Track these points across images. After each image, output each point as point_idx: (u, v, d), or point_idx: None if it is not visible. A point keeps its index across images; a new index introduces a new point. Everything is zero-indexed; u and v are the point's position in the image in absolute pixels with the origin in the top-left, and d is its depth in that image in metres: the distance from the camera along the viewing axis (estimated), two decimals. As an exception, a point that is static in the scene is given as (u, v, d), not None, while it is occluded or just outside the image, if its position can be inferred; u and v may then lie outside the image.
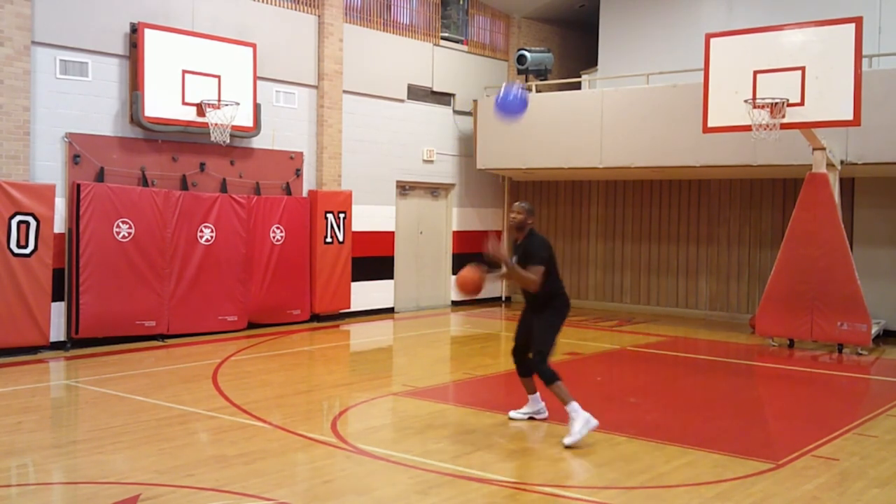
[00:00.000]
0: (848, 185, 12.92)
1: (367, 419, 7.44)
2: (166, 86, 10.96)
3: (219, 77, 11.43)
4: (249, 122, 11.90)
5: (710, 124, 10.81)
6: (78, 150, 10.42)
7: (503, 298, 16.70)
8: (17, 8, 9.75)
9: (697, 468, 5.91)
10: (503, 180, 16.62)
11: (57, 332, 10.20)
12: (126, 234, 10.65)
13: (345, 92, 13.56)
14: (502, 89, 7.02)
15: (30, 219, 9.74)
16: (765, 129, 10.21)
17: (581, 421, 6.42)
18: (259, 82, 12.11)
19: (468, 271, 6.56)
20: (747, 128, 10.38)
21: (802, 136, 10.71)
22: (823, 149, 10.87)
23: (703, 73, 10.90)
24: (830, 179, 11.00)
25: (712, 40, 10.82)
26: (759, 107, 10.24)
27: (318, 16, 13.22)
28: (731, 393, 8.97)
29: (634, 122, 13.43)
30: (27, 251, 9.73)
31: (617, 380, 9.93)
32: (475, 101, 15.41)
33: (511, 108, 7.00)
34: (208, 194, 11.56)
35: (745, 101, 10.31)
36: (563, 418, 6.69)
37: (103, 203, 10.44)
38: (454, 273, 15.51)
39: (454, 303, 15.57)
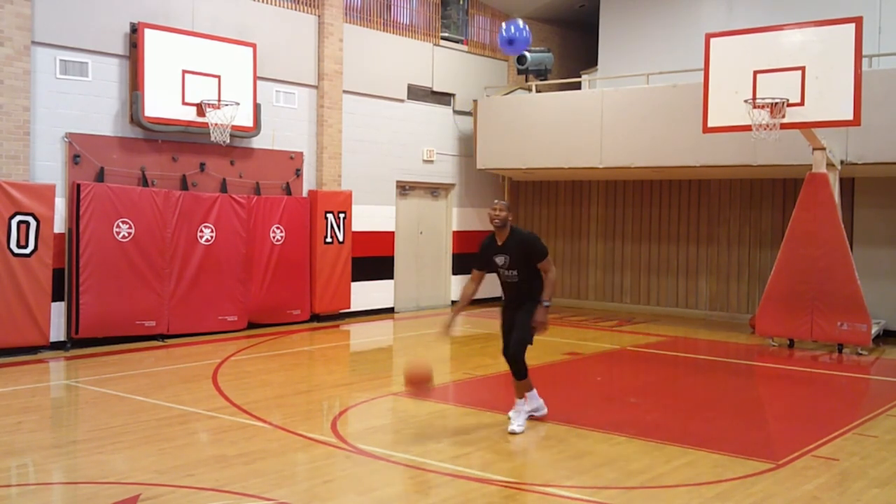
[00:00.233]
0: (848, 185, 12.92)
1: (367, 419, 7.44)
2: (166, 86, 10.96)
3: (219, 77, 11.43)
4: (249, 122, 11.90)
5: (710, 124, 10.81)
6: (78, 150, 10.42)
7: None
8: (17, 8, 9.75)
9: (697, 468, 5.91)
10: (503, 180, 16.61)
11: (57, 332, 10.20)
12: (126, 234, 10.65)
13: (345, 92, 13.56)
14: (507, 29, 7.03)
15: (30, 219, 9.74)
16: (765, 129, 10.21)
17: (525, 415, 6.88)
18: (259, 82, 12.11)
19: (417, 370, 6.52)
20: (747, 128, 10.37)
21: (802, 136, 10.71)
22: (823, 149, 10.87)
23: (703, 73, 10.90)
24: (830, 179, 11.00)
25: (712, 40, 10.82)
26: (759, 107, 10.24)
27: (318, 16, 13.22)
28: (731, 393, 8.97)
29: (634, 122, 13.43)
30: (27, 251, 9.73)
31: (617, 380, 9.93)
32: (475, 101, 15.41)
33: (516, 43, 7.04)
34: (208, 194, 11.56)
35: (745, 101, 10.30)
36: (565, 419, 6.69)
37: (103, 203, 10.44)
38: (454, 274, 15.53)
39: (454, 303, 15.57)
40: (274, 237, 12.33)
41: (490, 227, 7.01)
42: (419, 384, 6.52)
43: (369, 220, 14.08)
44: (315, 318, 13.04)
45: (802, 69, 10.10)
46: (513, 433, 6.69)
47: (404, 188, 14.91)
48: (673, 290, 15.10)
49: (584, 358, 10.64)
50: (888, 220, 12.90)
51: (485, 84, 15.91)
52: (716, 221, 14.65)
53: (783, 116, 10.15)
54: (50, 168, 10.22)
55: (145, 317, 10.83)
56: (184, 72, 11.11)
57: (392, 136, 14.48)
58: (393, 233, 14.57)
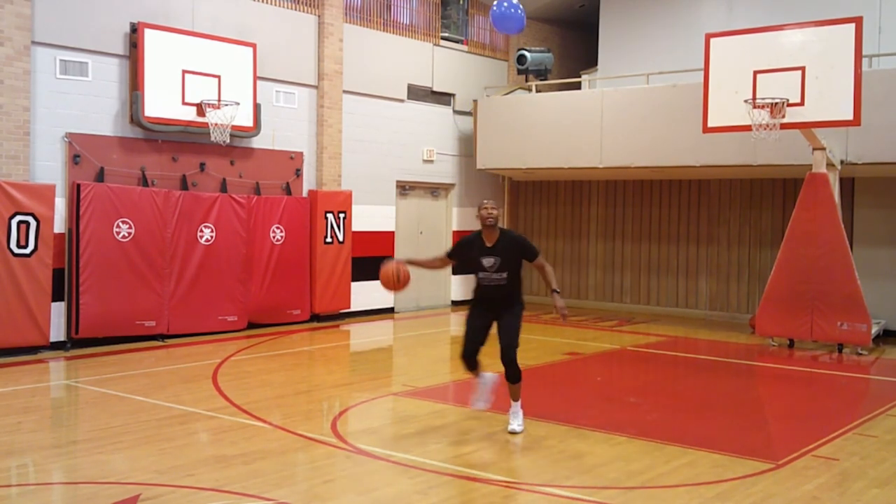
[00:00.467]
0: (848, 185, 12.92)
1: (367, 419, 7.44)
2: (166, 86, 10.96)
3: (219, 77, 11.43)
4: (249, 122, 11.90)
5: (710, 124, 10.81)
6: (78, 150, 10.42)
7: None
8: (17, 8, 9.75)
9: (697, 468, 5.91)
10: (503, 180, 16.61)
11: (57, 332, 10.20)
12: (126, 234, 10.65)
13: (345, 92, 13.56)
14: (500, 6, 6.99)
15: (30, 219, 9.74)
16: (765, 129, 10.21)
17: (522, 414, 6.86)
18: (259, 82, 12.11)
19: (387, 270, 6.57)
20: (747, 128, 10.37)
21: (802, 136, 10.71)
22: (823, 149, 10.86)
23: (703, 73, 10.90)
24: (830, 179, 11.00)
25: (712, 40, 10.82)
26: (759, 107, 10.23)
27: (318, 16, 13.22)
28: (731, 393, 8.97)
29: (634, 122, 13.43)
30: (27, 251, 9.73)
31: (617, 380, 9.93)
32: (475, 101, 15.41)
33: (508, 20, 7.01)
34: (208, 194, 11.56)
35: (745, 101, 10.30)
36: (565, 419, 6.68)
37: (103, 203, 10.44)
38: (454, 274, 15.52)
39: (454, 302, 15.57)
40: (274, 237, 12.33)
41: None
42: (395, 283, 6.52)
43: (369, 220, 14.08)
44: (315, 318, 13.04)
45: (802, 69, 10.10)
46: (513, 433, 6.69)
47: (404, 188, 14.91)
48: (673, 290, 15.10)
49: (584, 358, 10.64)
50: (888, 220, 12.90)
51: (485, 84, 15.91)
52: (716, 221, 14.65)
53: (783, 116, 10.15)
54: (50, 168, 10.22)
55: (145, 317, 10.83)
56: (184, 72, 11.11)
57: (392, 136, 14.48)
58: (393, 233, 14.57)
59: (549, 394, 8.57)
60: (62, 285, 10.25)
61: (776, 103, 10.14)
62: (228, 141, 11.46)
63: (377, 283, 6.85)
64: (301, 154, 13.01)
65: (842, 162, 11.65)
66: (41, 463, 5.88)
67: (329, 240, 13.06)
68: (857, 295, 10.75)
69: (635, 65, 14.64)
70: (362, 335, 12.62)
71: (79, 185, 10.26)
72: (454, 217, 15.77)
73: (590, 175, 15.28)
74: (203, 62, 11.33)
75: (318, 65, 13.24)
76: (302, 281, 12.76)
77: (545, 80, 15.69)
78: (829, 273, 10.89)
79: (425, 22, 15.10)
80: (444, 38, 15.40)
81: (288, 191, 12.76)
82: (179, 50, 11.10)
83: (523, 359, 10.23)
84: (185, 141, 11.45)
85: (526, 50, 15.68)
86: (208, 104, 11.25)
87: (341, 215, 13.21)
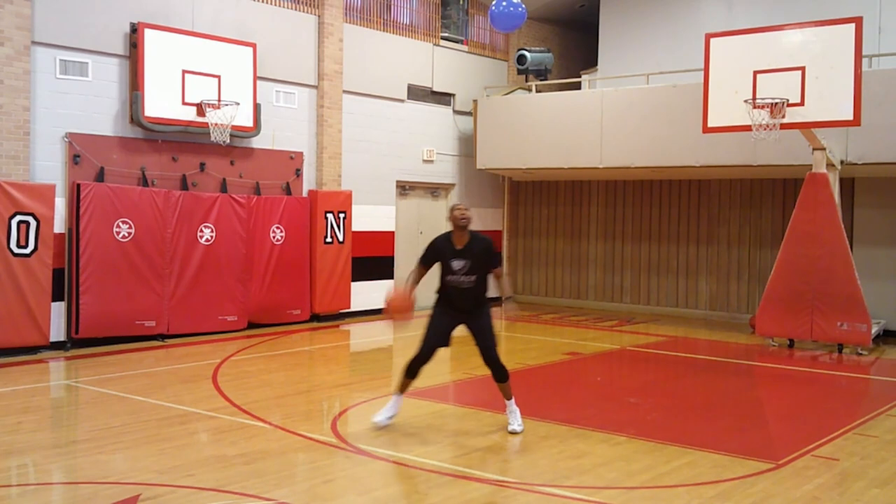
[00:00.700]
0: (848, 185, 12.92)
1: (367, 419, 7.43)
2: (166, 86, 10.96)
3: (219, 77, 11.43)
4: (249, 122, 11.90)
5: (710, 124, 10.81)
6: (78, 150, 10.42)
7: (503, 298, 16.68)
8: (17, 8, 9.75)
9: (697, 468, 5.91)
10: (503, 180, 16.62)
11: (57, 332, 10.20)
12: (126, 234, 10.65)
13: (345, 92, 13.56)
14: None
15: (30, 219, 9.74)
16: (765, 129, 10.21)
17: (519, 413, 6.81)
18: (259, 82, 12.11)
19: (397, 298, 6.58)
20: (747, 128, 10.37)
21: (802, 136, 10.71)
22: (823, 149, 10.86)
23: (703, 73, 10.90)
24: (830, 179, 11.00)
25: (712, 40, 10.82)
26: (759, 107, 10.24)
27: (318, 16, 13.22)
28: (731, 393, 8.97)
29: (634, 122, 13.43)
30: (27, 251, 9.73)
31: (617, 380, 9.93)
32: (475, 101, 15.41)
33: (507, 18, 7.01)
34: (208, 194, 11.56)
35: (745, 101, 10.30)
36: (565, 419, 6.67)
37: (103, 203, 10.44)
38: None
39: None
40: (274, 237, 12.33)
41: (445, 228, 6.83)
42: (401, 311, 6.54)
43: (369, 220, 14.07)
44: (315, 318, 13.04)
45: (802, 69, 10.10)
46: (514, 433, 6.69)
47: (404, 188, 14.91)
48: (673, 290, 15.10)
49: (584, 358, 10.64)
50: (888, 220, 12.90)
51: (485, 84, 15.91)
52: (716, 221, 14.65)
53: (783, 116, 10.15)
54: (50, 168, 10.22)
55: (145, 317, 10.83)
56: (184, 72, 11.11)
57: (392, 136, 14.48)
58: (393, 233, 14.57)
59: (549, 394, 8.58)
60: (62, 285, 10.25)
61: (776, 103, 10.14)
62: (228, 141, 11.46)
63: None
64: (301, 154, 13.01)
65: (842, 162, 11.65)
66: (41, 463, 5.88)
67: (329, 240, 13.06)
68: (857, 295, 10.75)
69: (635, 65, 14.64)
70: (362, 335, 12.62)
71: (79, 185, 10.26)
72: (454, 217, 15.74)
73: (590, 175, 15.28)
74: (203, 62, 11.33)
75: (318, 65, 13.24)
76: (302, 281, 12.76)
77: (545, 80, 15.69)
78: (829, 273, 10.89)
79: (425, 22, 15.10)
80: (444, 38, 15.40)
81: (288, 191, 12.76)
82: (179, 50, 11.10)
83: (524, 359, 10.30)
84: (185, 141, 11.45)
85: (526, 50, 15.68)
86: (208, 104, 11.26)
87: (341, 215, 13.21)
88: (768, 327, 11.46)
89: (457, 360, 10.64)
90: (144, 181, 11.00)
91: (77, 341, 10.32)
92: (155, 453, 6.02)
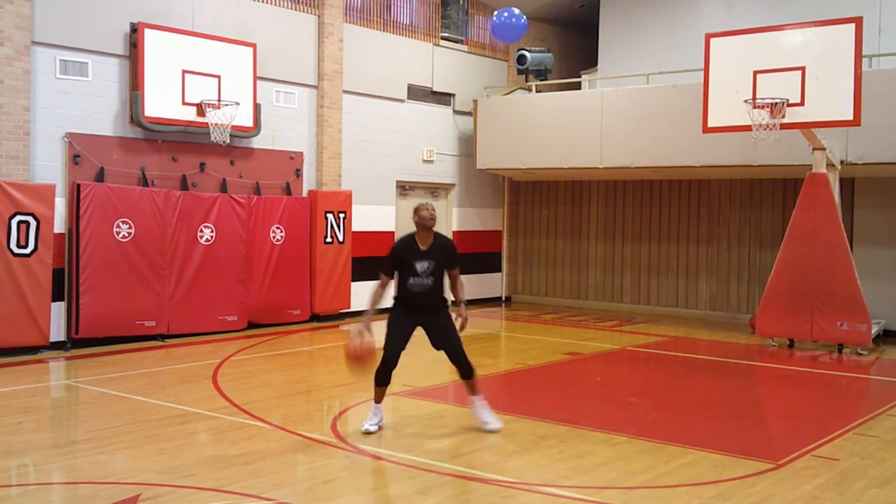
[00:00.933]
0: (848, 185, 12.92)
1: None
2: (166, 86, 10.96)
3: (219, 77, 11.43)
4: (249, 122, 11.90)
5: (710, 124, 10.81)
6: (78, 150, 10.42)
7: (503, 298, 16.70)
8: (17, 8, 9.75)
9: (697, 468, 5.91)
10: (503, 180, 16.62)
11: (57, 332, 10.20)
12: (126, 234, 10.65)
13: (345, 92, 13.56)
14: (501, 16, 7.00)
15: (30, 219, 9.74)
16: (765, 129, 10.21)
17: (489, 407, 6.80)
18: (259, 82, 12.11)
19: (358, 345, 6.51)
20: (747, 128, 10.37)
21: (802, 136, 10.71)
22: (823, 149, 10.86)
23: (703, 73, 10.90)
24: (830, 179, 11.00)
25: (712, 40, 10.81)
26: (759, 107, 10.23)
27: (318, 16, 13.22)
28: (731, 393, 8.97)
29: (634, 122, 13.43)
30: (27, 251, 9.73)
31: (617, 380, 9.93)
32: (475, 101, 15.41)
33: (508, 29, 7.04)
34: (208, 194, 11.56)
35: (745, 101, 10.30)
36: (565, 419, 6.66)
37: (103, 203, 10.44)
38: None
39: (453, 303, 15.54)
40: (274, 237, 12.33)
41: (410, 229, 6.78)
42: (362, 359, 6.49)
43: (369, 219, 14.07)
44: (315, 318, 13.04)
45: (802, 69, 10.10)
46: (495, 430, 6.67)
47: (404, 188, 14.91)
48: (673, 290, 15.10)
49: (584, 358, 10.64)
50: (888, 220, 12.90)
51: (485, 84, 15.91)
52: (716, 221, 14.65)
53: (783, 116, 10.15)
54: (50, 168, 10.22)
55: (145, 317, 10.83)
56: (184, 72, 11.11)
57: (392, 136, 14.48)
58: (393, 233, 14.56)
59: (549, 394, 8.58)
60: (62, 285, 10.25)
61: (776, 103, 10.14)
62: (228, 141, 11.46)
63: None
64: (301, 154, 13.01)
65: (842, 162, 11.65)
66: (41, 463, 5.88)
67: (329, 240, 13.06)
68: (857, 295, 10.75)
69: (635, 65, 14.64)
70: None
71: (79, 185, 10.26)
72: (454, 217, 15.77)
73: (590, 175, 15.28)
74: (203, 62, 11.33)
75: (318, 65, 13.24)
76: (302, 281, 12.76)
77: (545, 80, 15.68)
78: (829, 273, 10.89)
79: (425, 22, 15.10)
80: (444, 38, 15.40)
81: (288, 191, 12.76)
82: (179, 50, 11.10)
83: (524, 359, 10.30)
84: (185, 141, 11.45)
85: (526, 50, 15.67)
86: (208, 104, 11.26)
87: (341, 215, 13.21)
88: (768, 327, 11.46)
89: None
90: (144, 181, 11.00)
91: (77, 341, 10.32)
92: (155, 453, 6.02)
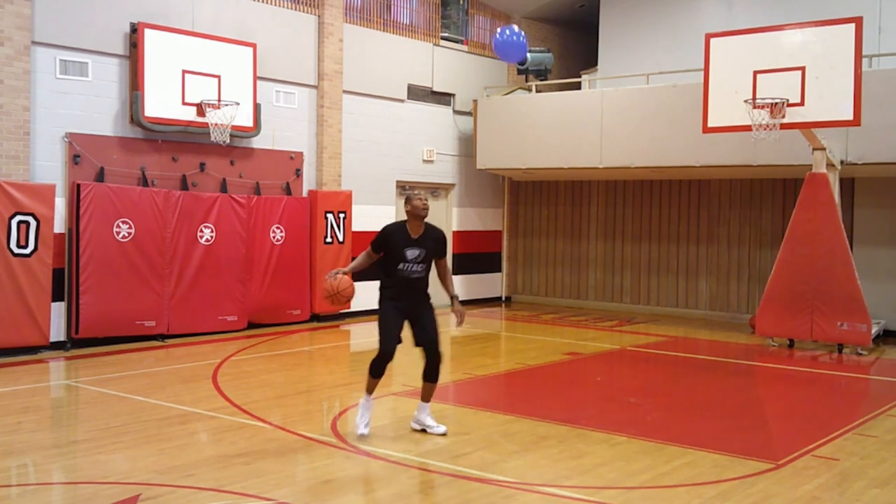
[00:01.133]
0: (848, 185, 12.92)
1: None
2: (166, 86, 10.96)
3: (219, 77, 11.43)
4: (249, 122, 11.90)
5: (710, 124, 10.81)
6: (78, 150, 10.42)
7: (503, 298, 16.70)
8: (17, 8, 9.75)
9: (697, 468, 5.91)
10: (503, 180, 16.62)
11: (57, 332, 10.20)
12: (126, 234, 10.65)
13: (345, 92, 13.56)
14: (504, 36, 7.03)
15: (30, 219, 9.74)
16: (765, 129, 10.21)
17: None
18: (259, 82, 12.11)
19: (334, 282, 6.61)
20: (747, 128, 10.37)
21: (802, 136, 10.71)
22: (823, 149, 10.87)
23: (703, 73, 10.90)
24: (830, 179, 11.00)
25: (712, 40, 10.82)
26: (759, 107, 10.24)
27: (318, 16, 13.22)
28: (731, 393, 8.97)
29: (634, 122, 13.43)
30: (27, 251, 9.73)
31: (617, 380, 9.93)
32: (475, 101, 15.41)
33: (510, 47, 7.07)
34: (208, 194, 11.56)
35: (745, 101, 10.30)
36: (565, 419, 6.65)
37: (103, 203, 10.44)
38: (454, 273, 15.49)
39: (451, 302, 15.53)
40: (274, 237, 12.33)
41: (401, 218, 6.73)
42: (339, 292, 6.59)
43: (369, 220, 14.05)
44: (315, 318, 13.04)
45: (802, 69, 10.10)
46: (444, 434, 6.57)
47: (404, 188, 14.91)
48: (673, 290, 15.10)
49: (584, 358, 10.64)
50: (888, 220, 12.90)
51: (485, 84, 15.91)
52: (716, 221, 14.65)
53: (783, 116, 10.15)
54: (50, 168, 10.22)
55: (145, 317, 10.83)
56: (184, 72, 11.11)
57: (392, 136, 14.48)
58: (393, 233, 14.55)
59: (549, 394, 8.58)
60: (62, 285, 10.25)
61: (776, 103, 10.14)
62: (228, 141, 11.46)
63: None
64: (301, 154, 13.01)
65: (842, 162, 11.65)
66: (41, 463, 5.88)
67: (329, 240, 13.06)
68: (857, 295, 10.75)
69: (635, 65, 14.64)
70: (362, 335, 12.61)
71: (79, 185, 10.26)
72: (454, 217, 15.77)
73: (590, 175, 15.28)
74: (203, 62, 11.33)
75: (318, 65, 13.24)
76: (302, 281, 12.76)
77: (545, 80, 15.68)
78: (829, 273, 10.89)
79: (425, 22, 15.10)
80: (444, 39, 15.40)
81: (288, 191, 12.76)
82: (179, 50, 11.10)
83: (524, 359, 10.31)
84: (185, 141, 11.45)
85: (527, 52, 15.66)
86: (208, 104, 11.26)
87: (341, 215, 13.21)
88: (768, 327, 11.46)
89: (457, 360, 10.64)
90: (144, 181, 11.00)
91: (77, 341, 10.32)
92: (155, 453, 6.03)
